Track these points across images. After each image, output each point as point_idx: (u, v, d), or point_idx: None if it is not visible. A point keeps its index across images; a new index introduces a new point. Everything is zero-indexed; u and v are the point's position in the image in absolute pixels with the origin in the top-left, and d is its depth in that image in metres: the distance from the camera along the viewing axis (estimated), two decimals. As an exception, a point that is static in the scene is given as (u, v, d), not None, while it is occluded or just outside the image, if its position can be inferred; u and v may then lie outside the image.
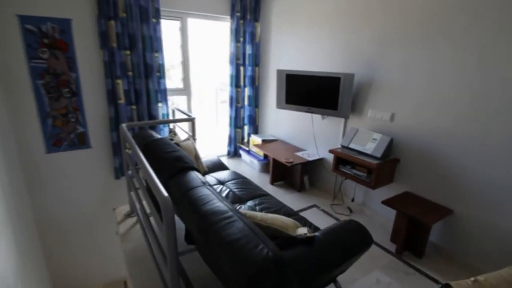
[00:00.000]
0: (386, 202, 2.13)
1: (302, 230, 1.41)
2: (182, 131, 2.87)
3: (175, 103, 3.68)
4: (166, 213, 1.07)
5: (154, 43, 2.95)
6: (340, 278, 1.63)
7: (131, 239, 2.12)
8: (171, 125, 3.17)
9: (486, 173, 1.84)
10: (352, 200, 2.77)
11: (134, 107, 3.04)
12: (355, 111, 2.62)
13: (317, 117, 3.02)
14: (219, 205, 1.20)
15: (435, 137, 2.07)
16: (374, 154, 2.25)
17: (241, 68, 3.69)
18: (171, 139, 2.30)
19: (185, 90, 3.54)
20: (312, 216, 2.62)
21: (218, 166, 2.74)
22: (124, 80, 2.89)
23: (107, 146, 3.05)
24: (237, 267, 0.87)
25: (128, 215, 2.42)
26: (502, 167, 1.76)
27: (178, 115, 3.14)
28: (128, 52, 2.85)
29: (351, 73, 2.44)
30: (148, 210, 2.14)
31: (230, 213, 1.12)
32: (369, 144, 2.32)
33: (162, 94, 3.16)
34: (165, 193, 1.12)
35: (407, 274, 1.92)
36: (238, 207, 1.92)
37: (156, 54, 3.01)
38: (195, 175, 1.49)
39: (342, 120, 2.76)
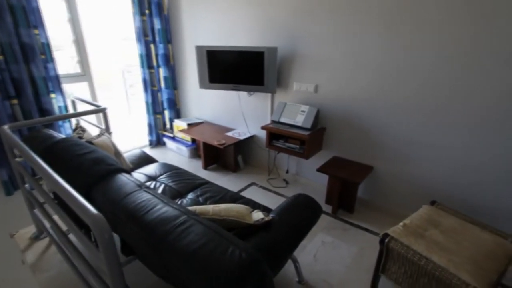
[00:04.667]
0: (320, 170, 2.27)
1: (258, 215, 1.36)
2: (90, 126, 2.40)
3: (74, 93, 3.03)
4: (102, 235, 0.85)
5: (29, 16, 2.29)
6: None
7: (48, 267, 1.71)
8: (74, 120, 2.62)
9: (399, 132, 2.11)
10: (287, 172, 2.88)
11: (15, 101, 2.37)
12: (281, 85, 2.65)
13: (243, 94, 2.95)
14: (167, 209, 1.02)
15: (355, 104, 2.26)
16: (305, 126, 2.33)
17: (152, 46, 3.26)
18: (80, 137, 1.88)
19: (85, 75, 2.93)
20: (252, 194, 2.63)
21: (144, 159, 2.42)
22: (-8, 67, 2.19)
23: (-17, 156, 2.33)
24: (210, 281, 0.75)
25: (36, 238, 1.95)
26: (413, 126, 2.04)
27: (81, 107, 2.60)
28: (-10, 28, 2.14)
29: (273, 47, 2.41)
30: (64, 227, 1.76)
31: (184, 217, 0.96)
32: (299, 116, 2.39)
33: (54, 82, 2.54)
34: (94, 210, 0.88)
35: (345, 230, 2.13)
36: (179, 203, 1.74)
37: (36, 31, 2.36)
38: (126, 178, 1.25)
39: (269, 95, 2.76)
